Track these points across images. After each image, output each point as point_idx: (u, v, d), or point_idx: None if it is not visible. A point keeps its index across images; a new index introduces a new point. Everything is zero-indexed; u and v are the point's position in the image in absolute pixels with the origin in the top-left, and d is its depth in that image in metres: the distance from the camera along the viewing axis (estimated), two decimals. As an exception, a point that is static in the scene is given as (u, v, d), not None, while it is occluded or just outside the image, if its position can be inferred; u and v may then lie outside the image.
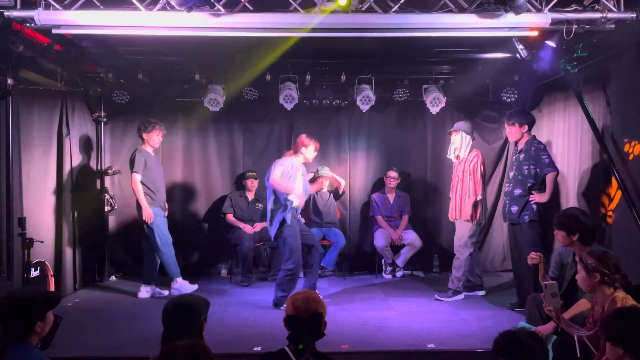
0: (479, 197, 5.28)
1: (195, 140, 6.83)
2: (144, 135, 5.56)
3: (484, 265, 6.58)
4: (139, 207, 5.42)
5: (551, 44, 4.67)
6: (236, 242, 6.25)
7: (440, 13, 4.06)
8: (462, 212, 5.31)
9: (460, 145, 5.38)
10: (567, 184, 5.55)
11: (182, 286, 5.47)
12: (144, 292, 5.54)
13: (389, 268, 6.53)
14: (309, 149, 5.21)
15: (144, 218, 5.36)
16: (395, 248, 6.49)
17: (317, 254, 5.31)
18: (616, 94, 4.59)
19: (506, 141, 6.82)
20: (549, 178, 4.82)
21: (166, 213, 5.80)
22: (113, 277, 6.51)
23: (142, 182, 5.43)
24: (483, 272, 5.87)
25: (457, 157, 5.44)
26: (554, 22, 4.07)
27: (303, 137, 5.24)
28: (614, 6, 4.03)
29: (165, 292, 5.59)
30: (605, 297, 2.80)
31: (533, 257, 3.58)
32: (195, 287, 5.55)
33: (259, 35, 4.29)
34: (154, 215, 5.40)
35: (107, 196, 6.31)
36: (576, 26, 4.11)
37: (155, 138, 5.59)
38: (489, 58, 5.65)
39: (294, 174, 5.12)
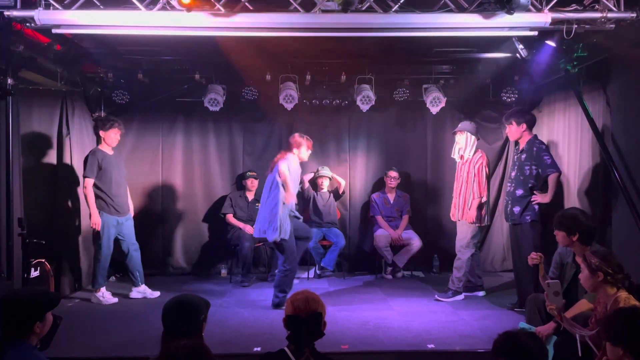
0: (484, 199, 5.28)
1: (195, 140, 6.83)
2: (101, 133, 5.35)
3: (484, 266, 6.58)
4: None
5: (551, 43, 4.67)
6: (236, 242, 6.25)
7: (440, 13, 4.05)
8: (464, 213, 5.31)
9: (465, 145, 5.37)
10: (567, 184, 5.55)
11: (105, 296, 5.32)
12: (135, 292, 5.55)
13: (389, 268, 6.53)
14: (303, 148, 5.17)
15: (90, 224, 5.22)
16: (395, 248, 6.49)
17: (303, 246, 5.34)
18: (616, 94, 4.59)
19: (506, 141, 6.82)
20: (551, 179, 4.81)
21: (132, 214, 5.62)
22: (113, 277, 6.50)
23: (96, 186, 5.24)
24: (483, 272, 5.88)
25: (462, 157, 5.44)
26: (554, 22, 4.07)
27: (296, 137, 5.20)
28: (614, 6, 4.03)
29: (157, 294, 5.58)
30: (608, 297, 2.81)
31: (533, 257, 3.58)
32: (115, 299, 5.34)
33: (259, 35, 4.29)
34: (104, 224, 5.23)
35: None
36: (576, 26, 4.11)
37: (112, 137, 5.37)
38: (489, 58, 5.65)
39: (296, 177, 5.12)
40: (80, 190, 6.06)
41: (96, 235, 5.34)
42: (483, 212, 5.30)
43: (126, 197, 5.59)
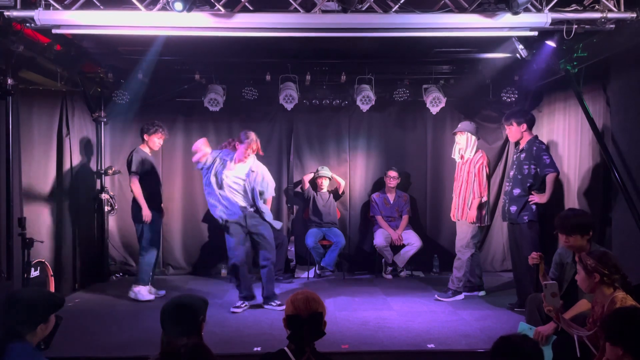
0: (484, 199, 5.28)
1: (196, 140, 6.79)
2: (145, 137, 5.55)
3: (484, 265, 6.57)
4: (135, 208, 5.41)
5: (551, 43, 4.67)
6: (236, 242, 6.23)
7: (440, 13, 4.05)
8: (464, 213, 5.32)
9: (465, 145, 5.38)
10: (567, 184, 5.56)
11: (140, 293, 5.37)
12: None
13: (389, 268, 6.54)
14: (241, 148, 4.99)
15: (143, 219, 5.35)
16: (395, 248, 6.49)
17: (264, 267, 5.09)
18: (616, 94, 4.59)
19: (506, 141, 6.82)
20: (549, 179, 4.82)
21: (163, 215, 5.79)
22: (113, 277, 6.51)
23: (140, 184, 5.39)
24: (483, 272, 5.86)
25: (462, 157, 5.44)
26: (554, 22, 4.07)
27: (241, 133, 5.07)
28: (614, 6, 4.03)
29: (163, 292, 5.59)
30: (605, 298, 2.80)
31: (534, 257, 3.58)
32: (151, 297, 5.41)
33: (259, 35, 4.29)
34: (151, 221, 5.40)
35: (106, 196, 6.31)
36: (576, 26, 4.11)
37: (156, 141, 5.58)
38: (489, 58, 5.65)
39: (218, 165, 4.99)
40: (85, 192, 6.08)
41: (140, 232, 5.44)
42: (483, 212, 5.31)
43: (161, 198, 5.73)
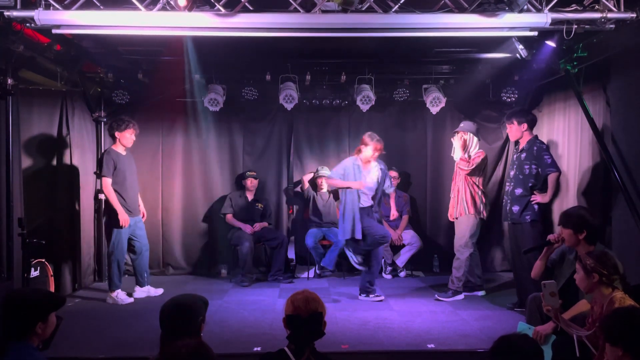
0: (480, 187, 5.30)
1: (195, 140, 6.82)
2: (117, 134, 5.37)
3: (484, 265, 6.56)
4: (109, 211, 5.31)
5: (551, 43, 4.68)
6: (236, 242, 6.25)
7: (440, 13, 4.05)
8: (461, 210, 5.32)
9: (467, 145, 5.38)
10: (567, 183, 5.56)
11: (119, 297, 5.31)
12: (139, 292, 5.57)
13: (389, 268, 6.54)
14: (367, 149, 5.28)
15: (120, 223, 5.22)
16: (395, 248, 6.49)
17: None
18: (616, 94, 4.59)
19: (506, 141, 6.82)
20: (551, 178, 4.81)
21: (144, 217, 5.70)
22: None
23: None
24: (483, 272, 5.87)
25: (466, 158, 5.44)
26: (554, 22, 4.08)
27: (365, 136, 5.34)
28: (614, 6, 4.03)
29: (160, 291, 5.59)
30: (604, 298, 2.80)
31: (556, 236, 3.57)
32: (130, 300, 5.36)
33: (259, 35, 4.29)
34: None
35: (106, 196, 6.30)
36: (576, 26, 4.12)
37: (128, 137, 5.41)
38: (489, 58, 5.66)
39: (355, 172, 5.31)
40: (85, 192, 6.08)
41: (109, 236, 5.35)
42: (478, 203, 5.28)
43: (137, 198, 5.61)
